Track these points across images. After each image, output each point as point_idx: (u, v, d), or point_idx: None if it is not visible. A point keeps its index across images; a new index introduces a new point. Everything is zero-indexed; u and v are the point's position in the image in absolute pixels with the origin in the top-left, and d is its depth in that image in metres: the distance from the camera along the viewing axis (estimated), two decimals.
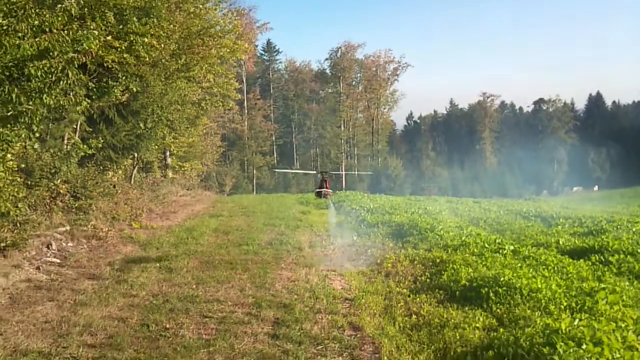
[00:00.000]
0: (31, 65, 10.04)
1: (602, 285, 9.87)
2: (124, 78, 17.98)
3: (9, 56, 9.78)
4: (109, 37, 14.92)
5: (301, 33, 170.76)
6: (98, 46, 12.63)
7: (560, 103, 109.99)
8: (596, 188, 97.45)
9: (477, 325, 8.03)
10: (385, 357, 6.93)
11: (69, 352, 6.88)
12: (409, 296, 9.95)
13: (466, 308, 9.02)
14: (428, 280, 11.08)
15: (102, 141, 18.04)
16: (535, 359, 6.06)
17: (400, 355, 7.02)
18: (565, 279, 10.79)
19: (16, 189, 11.62)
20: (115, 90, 17.62)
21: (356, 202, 28.56)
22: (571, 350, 5.88)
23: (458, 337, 7.50)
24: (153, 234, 17.31)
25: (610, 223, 22.29)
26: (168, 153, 35.28)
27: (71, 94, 11.74)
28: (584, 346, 5.95)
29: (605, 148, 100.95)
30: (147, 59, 18.50)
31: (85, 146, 16.35)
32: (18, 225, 12.09)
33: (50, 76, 10.41)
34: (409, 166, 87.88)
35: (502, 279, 9.69)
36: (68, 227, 14.72)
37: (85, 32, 11.03)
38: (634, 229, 19.47)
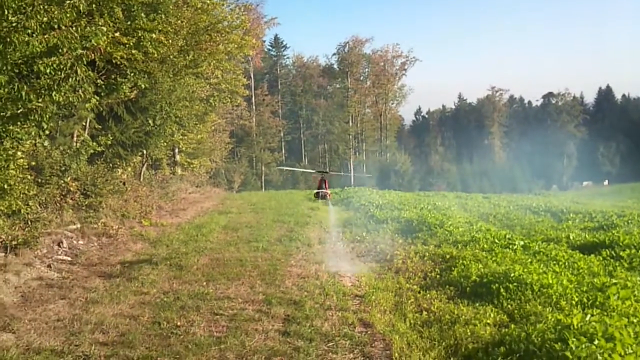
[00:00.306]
0: (40, 62, 10.06)
1: (614, 281, 9.79)
2: (132, 75, 18.00)
3: (18, 53, 9.80)
4: (117, 34, 14.95)
5: (309, 28, 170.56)
6: (106, 42, 12.66)
7: (570, 97, 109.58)
8: (606, 182, 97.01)
9: (488, 321, 7.98)
10: (396, 354, 6.91)
11: (81, 350, 6.89)
12: (419, 292, 9.92)
13: (477, 304, 8.98)
14: (438, 276, 11.04)
15: (111, 138, 18.06)
16: (547, 355, 6.01)
17: (411, 351, 6.99)
18: (576, 274, 10.72)
19: (27, 187, 11.65)
20: (124, 87, 17.65)
21: (365, 198, 28.52)
22: (583, 346, 5.83)
23: (469, 334, 7.46)
24: (163, 231, 17.36)
25: (621, 218, 22.15)
26: (177, 150, 35.31)
27: (80, 90, 11.71)
28: (596, 342, 5.90)
29: (615, 142, 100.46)
30: (155, 55, 18.51)
31: (94, 143, 16.37)
32: (29, 223, 12.14)
33: (59, 73, 10.41)
34: (418, 161, 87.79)
35: (512, 274, 9.63)
36: (78, 225, 14.77)
37: (93, 28, 11.03)
38: None
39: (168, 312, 8.58)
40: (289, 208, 25.09)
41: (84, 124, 17.80)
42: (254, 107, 79.31)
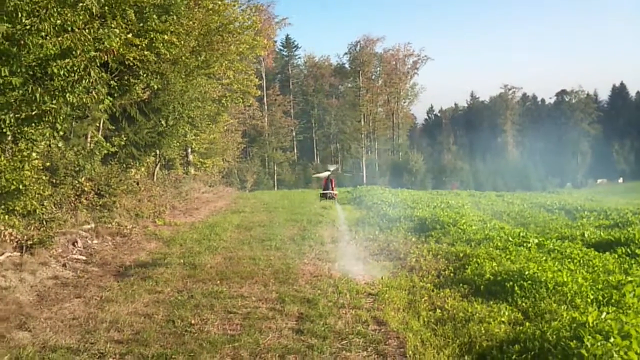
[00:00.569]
0: (54, 64, 10.16)
1: (629, 278, 9.70)
2: (144, 76, 18.14)
3: (32, 56, 9.91)
4: (129, 35, 15.04)
5: (320, 28, 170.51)
6: (119, 44, 12.74)
7: (584, 94, 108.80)
8: (621, 180, 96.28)
9: (503, 319, 7.94)
10: (410, 352, 6.89)
11: (97, 348, 6.94)
12: (432, 291, 9.88)
13: (491, 302, 8.93)
14: (452, 274, 11.00)
15: (124, 139, 18.24)
16: (562, 353, 5.96)
17: (425, 349, 6.97)
18: (591, 272, 10.64)
19: (42, 187, 11.77)
20: (137, 88, 17.80)
21: (377, 197, 28.49)
22: (599, 344, 5.78)
23: (483, 332, 7.43)
24: (176, 231, 17.43)
25: (636, 215, 21.93)
26: (189, 150, 35.45)
27: (93, 92, 11.82)
28: (611, 339, 5.84)
29: (630, 139, 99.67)
30: (168, 56, 18.64)
31: (108, 144, 16.53)
32: (44, 223, 12.27)
33: (73, 75, 10.52)
34: (430, 160, 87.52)
35: (527, 272, 9.56)
36: (93, 225, 14.87)
37: (106, 30, 11.15)
38: None
39: (182, 310, 8.62)
40: (301, 207, 25.12)
41: (98, 125, 17.93)
42: (266, 107, 79.53)
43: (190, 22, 20.55)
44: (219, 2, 24.29)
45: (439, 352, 6.90)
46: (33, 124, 10.90)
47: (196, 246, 14.56)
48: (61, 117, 10.92)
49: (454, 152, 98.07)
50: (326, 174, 15.00)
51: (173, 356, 6.69)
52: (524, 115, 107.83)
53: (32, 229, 11.84)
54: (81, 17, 10.46)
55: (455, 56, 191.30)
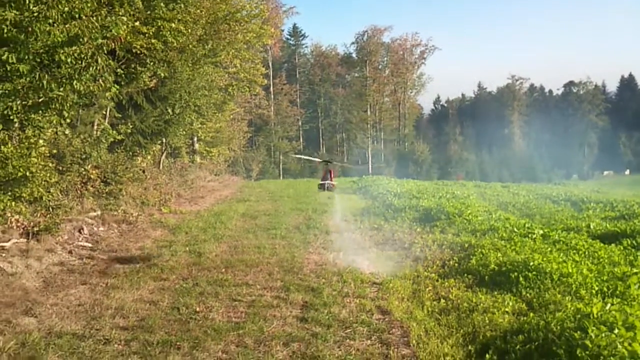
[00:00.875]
0: (61, 51, 10.17)
1: (635, 270, 9.69)
2: (151, 64, 18.14)
3: (39, 43, 9.92)
4: (136, 23, 15.04)
5: (327, 17, 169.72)
6: (126, 32, 12.73)
7: (591, 85, 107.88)
8: (627, 172, 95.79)
9: (507, 309, 7.96)
10: (414, 341, 6.92)
11: (102, 334, 7.00)
12: (437, 280, 9.90)
13: (495, 292, 8.95)
14: (456, 264, 11.01)
15: (131, 127, 18.27)
16: (566, 344, 5.97)
17: (429, 339, 7.00)
18: (596, 264, 10.62)
19: (48, 174, 11.81)
20: (144, 76, 17.81)
21: (383, 187, 28.49)
22: (603, 335, 5.78)
23: (487, 322, 7.45)
24: (182, 219, 17.50)
25: None
26: (196, 138, 35.51)
27: (100, 79, 11.84)
28: (616, 331, 5.85)
29: (637, 131, 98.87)
30: (175, 45, 18.62)
31: (114, 132, 16.56)
32: (50, 210, 12.32)
33: (80, 62, 10.53)
34: (436, 150, 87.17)
35: (531, 263, 9.57)
36: (99, 212, 14.94)
37: (113, 18, 11.13)
38: None
39: (187, 297, 8.67)
40: (306, 196, 25.13)
41: (104, 112, 17.97)
42: (272, 96, 79.31)
43: (198, 10, 20.53)
44: None
45: (442, 342, 6.92)
46: (40, 111, 10.92)
47: (201, 234, 14.62)
48: (68, 105, 10.95)
49: (460, 143, 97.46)
50: (316, 160, 14.90)
51: (178, 343, 6.74)
52: (531, 106, 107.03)
53: (38, 215, 11.91)
54: (89, 5, 10.45)
55: (462, 46, 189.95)
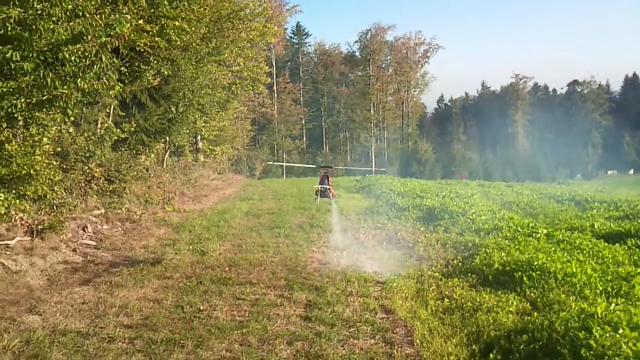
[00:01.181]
0: (65, 49, 10.16)
1: (639, 270, 9.68)
2: (155, 62, 18.14)
3: (43, 40, 9.92)
4: (140, 21, 15.03)
5: (331, 16, 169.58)
6: (130, 30, 12.72)
7: (595, 85, 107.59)
8: (632, 171, 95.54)
9: (511, 309, 7.95)
10: (418, 340, 6.90)
11: (106, 332, 7.01)
12: (441, 280, 9.89)
13: (499, 292, 8.94)
14: (460, 264, 11.00)
15: (134, 125, 18.29)
16: (571, 344, 5.96)
17: (432, 338, 6.99)
18: (600, 264, 10.62)
19: (52, 173, 11.83)
20: (147, 74, 17.80)
21: (386, 186, 28.47)
22: (607, 335, 5.77)
23: (491, 321, 7.44)
24: (186, 217, 17.52)
25: None
26: (199, 137, 35.52)
27: (104, 78, 11.84)
28: (620, 331, 5.84)
29: None
30: (178, 43, 18.61)
31: (118, 130, 16.59)
32: (54, 208, 12.35)
33: (84, 60, 10.52)
34: (440, 150, 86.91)
35: (535, 263, 9.56)
36: (103, 210, 14.96)
37: (117, 16, 11.12)
38: None
39: (191, 296, 8.68)
40: (310, 195, 25.04)
41: (108, 111, 17.98)
42: (275, 94, 79.35)
43: (201, 9, 20.53)
44: None
45: (446, 341, 6.91)
46: (44, 109, 10.92)
47: (205, 233, 14.63)
48: (72, 103, 10.94)
49: (464, 142, 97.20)
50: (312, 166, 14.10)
51: (182, 341, 6.74)
52: (534, 105, 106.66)
53: (42, 213, 11.92)
54: (92, 3, 10.45)
55: (466, 45, 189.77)
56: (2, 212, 10.46)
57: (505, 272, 9.68)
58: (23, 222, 11.28)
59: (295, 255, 11.97)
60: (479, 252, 11.35)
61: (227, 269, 10.62)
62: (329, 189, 12.14)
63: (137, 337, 6.87)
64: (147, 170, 20.00)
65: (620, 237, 14.33)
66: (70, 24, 10.06)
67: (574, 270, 9.21)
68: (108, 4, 12.10)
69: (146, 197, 18.15)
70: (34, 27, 9.61)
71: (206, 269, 10.65)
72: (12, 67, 9.73)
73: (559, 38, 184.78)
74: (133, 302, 8.28)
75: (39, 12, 9.58)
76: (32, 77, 10.06)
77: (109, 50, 11.44)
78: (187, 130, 26.06)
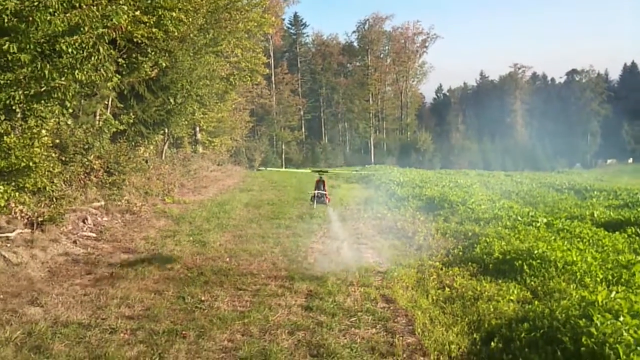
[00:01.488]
0: (62, 41, 10.12)
1: (639, 258, 9.70)
2: (153, 53, 18.07)
3: (40, 32, 9.87)
4: (137, 12, 14.96)
5: (328, 6, 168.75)
6: (127, 21, 12.66)
7: (594, 74, 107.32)
8: (630, 160, 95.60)
9: (511, 297, 7.96)
10: (419, 329, 6.92)
11: (108, 323, 7.00)
12: (441, 269, 9.90)
13: (500, 281, 8.95)
14: (460, 253, 11.01)
15: (133, 117, 18.23)
16: (571, 331, 5.96)
17: (433, 327, 7.00)
18: (600, 252, 10.64)
19: (51, 165, 11.80)
20: (145, 66, 17.73)
21: (386, 176, 28.51)
22: (608, 323, 5.77)
23: (492, 310, 7.45)
24: (185, 209, 17.51)
25: None
26: (198, 128, 35.47)
27: (102, 69, 11.80)
28: (621, 318, 5.85)
29: None
30: (176, 34, 18.54)
31: (116, 122, 16.54)
32: (54, 200, 12.32)
33: (81, 52, 10.48)
34: (439, 140, 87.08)
35: (536, 251, 9.56)
36: (102, 202, 14.95)
37: (114, 7, 11.06)
38: None
39: (192, 287, 8.68)
40: (309, 186, 24.99)
41: (106, 102, 17.92)
42: (273, 85, 79.20)
43: None
44: None
45: (447, 330, 6.92)
46: (42, 101, 10.89)
47: (205, 224, 14.63)
48: (70, 95, 10.90)
49: (463, 132, 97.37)
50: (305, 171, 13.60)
51: (184, 332, 6.74)
52: (533, 94, 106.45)
53: (42, 206, 11.91)
54: None
55: (464, 34, 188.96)
56: (2, 205, 10.43)
57: (505, 261, 9.69)
58: (23, 215, 11.26)
59: (296, 245, 11.99)
60: (479, 241, 11.36)
61: (227, 259, 10.64)
62: (325, 194, 11.31)
63: (138, 328, 6.87)
64: (146, 161, 19.97)
65: (620, 225, 14.36)
66: (67, 15, 10.01)
67: (574, 258, 9.22)
68: None
69: (146, 188, 18.15)
70: (30, 18, 9.56)
71: (207, 260, 10.66)
72: (10, 59, 9.69)
73: (557, 27, 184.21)
74: (134, 293, 8.28)
75: (36, 3, 9.53)
76: (29, 69, 10.02)
77: (106, 41, 11.40)
78: (186, 122, 26.00)
